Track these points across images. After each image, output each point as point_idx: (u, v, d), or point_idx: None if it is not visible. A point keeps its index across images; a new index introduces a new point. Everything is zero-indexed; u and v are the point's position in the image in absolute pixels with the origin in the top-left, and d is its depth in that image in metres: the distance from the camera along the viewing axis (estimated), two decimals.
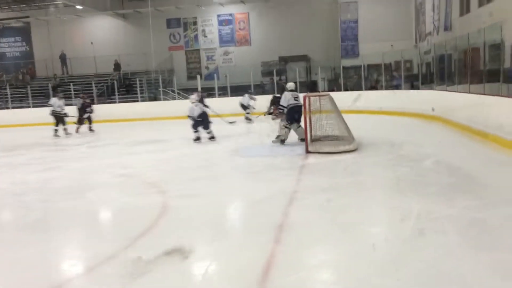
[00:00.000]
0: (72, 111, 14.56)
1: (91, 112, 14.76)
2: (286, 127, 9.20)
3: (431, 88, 13.52)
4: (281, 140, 9.26)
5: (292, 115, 9.02)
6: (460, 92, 10.47)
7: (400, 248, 3.75)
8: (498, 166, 6.54)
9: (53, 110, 13.96)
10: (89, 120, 14.76)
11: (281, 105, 9.23)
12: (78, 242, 4.52)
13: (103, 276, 3.54)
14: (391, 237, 4.09)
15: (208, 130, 10.38)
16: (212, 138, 10.37)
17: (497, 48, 9.10)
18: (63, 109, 14.12)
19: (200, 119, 10.16)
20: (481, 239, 3.84)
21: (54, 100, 14.16)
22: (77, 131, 14.48)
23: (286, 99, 9.15)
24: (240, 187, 6.43)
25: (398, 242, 3.88)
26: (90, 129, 14.73)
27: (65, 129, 14.02)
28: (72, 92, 20.48)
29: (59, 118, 13.96)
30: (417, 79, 15.32)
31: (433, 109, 11.29)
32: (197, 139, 10.37)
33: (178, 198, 5.74)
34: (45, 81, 23.36)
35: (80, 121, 14.59)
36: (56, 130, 13.92)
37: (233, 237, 4.29)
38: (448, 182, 5.82)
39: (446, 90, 11.43)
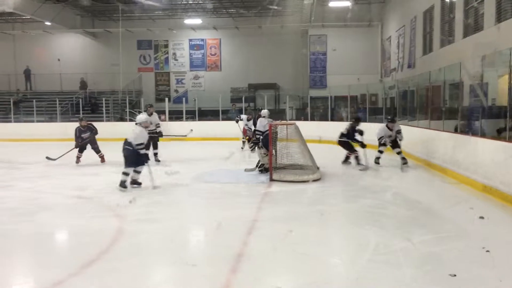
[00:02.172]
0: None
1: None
2: (266, 154, 9.04)
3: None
4: (265, 168, 8.99)
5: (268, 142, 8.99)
6: (420, 127, 10.79)
7: (356, 280, 3.73)
8: (455, 201, 6.69)
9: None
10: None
11: (258, 130, 9.27)
12: (23, 269, 4.28)
13: None
14: (347, 269, 4.07)
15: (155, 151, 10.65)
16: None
17: (456, 87, 9.48)
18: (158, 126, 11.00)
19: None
20: (436, 273, 3.86)
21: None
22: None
23: (262, 124, 9.20)
24: (200, 214, 6.32)
25: (354, 274, 3.86)
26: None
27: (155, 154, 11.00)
28: (35, 108, 19.94)
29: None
30: (381, 112, 15.73)
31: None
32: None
33: (135, 223, 5.56)
34: (7, 96, 22.64)
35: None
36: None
37: (189, 265, 4.16)
38: (407, 215, 5.91)
39: (408, 125, 11.75)
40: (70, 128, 18.74)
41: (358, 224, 5.47)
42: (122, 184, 7.44)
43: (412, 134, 10.90)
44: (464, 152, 7.87)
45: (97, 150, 11.14)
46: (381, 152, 10.03)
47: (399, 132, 9.92)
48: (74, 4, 20.73)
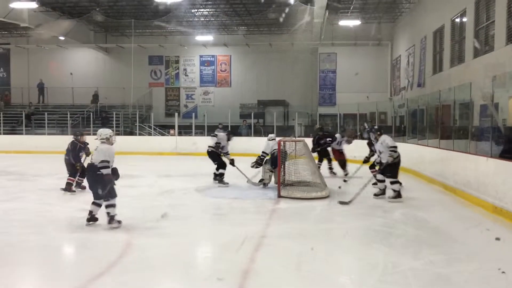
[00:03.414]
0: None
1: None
2: (271, 171, 9.38)
3: (404, 141, 13.84)
4: (264, 184, 9.47)
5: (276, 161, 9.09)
6: (430, 146, 10.75)
7: None
8: (464, 222, 6.62)
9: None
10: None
11: (264, 152, 9.40)
12: (31, 280, 4.30)
13: None
14: None
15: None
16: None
17: (466, 106, 9.45)
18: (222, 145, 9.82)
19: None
20: None
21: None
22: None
23: (269, 146, 9.40)
24: (208, 229, 6.32)
25: None
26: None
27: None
28: (46, 121, 20.19)
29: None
30: (390, 130, 15.70)
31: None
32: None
33: (143, 237, 5.56)
34: (20, 109, 22.96)
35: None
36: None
37: (195, 282, 4.15)
38: (416, 235, 5.86)
39: (417, 144, 11.71)
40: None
41: (367, 243, 5.43)
42: (92, 218, 5.93)
43: (422, 154, 10.85)
44: (474, 172, 7.81)
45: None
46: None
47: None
48: (88, 19, 21.11)
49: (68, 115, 20.58)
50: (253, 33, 22.96)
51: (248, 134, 19.12)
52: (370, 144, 9.68)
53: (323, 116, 19.86)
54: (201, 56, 24.66)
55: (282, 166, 8.85)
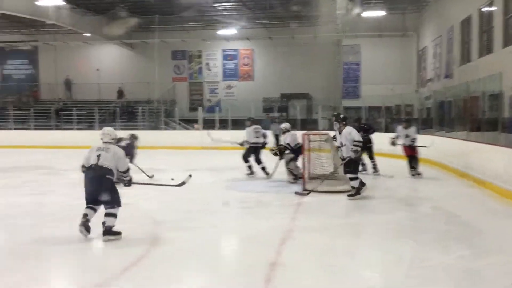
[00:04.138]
0: None
1: None
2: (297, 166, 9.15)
3: (431, 133, 13.61)
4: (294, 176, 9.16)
5: (299, 154, 9.06)
6: (458, 138, 10.54)
7: None
8: (494, 215, 6.50)
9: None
10: None
11: (289, 145, 9.11)
12: (62, 273, 4.43)
13: None
14: (382, 283, 4.02)
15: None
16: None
17: (495, 98, 9.23)
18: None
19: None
20: None
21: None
22: None
23: (293, 139, 9.21)
24: (234, 223, 6.37)
25: None
26: None
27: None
28: (75, 117, 20.66)
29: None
30: (417, 123, 15.45)
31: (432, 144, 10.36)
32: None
33: (171, 231, 5.66)
34: (49, 105, 23.54)
35: None
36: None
37: (223, 274, 4.21)
38: (444, 229, 5.77)
39: (445, 136, 11.50)
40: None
41: (394, 237, 5.39)
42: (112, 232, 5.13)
43: (450, 146, 10.65)
44: (504, 164, 7.63)
45: None
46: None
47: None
48: (112, 16, 21.41)
49: (96, 111, 21.00)
50: (275, 26, 22.85)
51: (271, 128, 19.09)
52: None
53: (347, 109, 19.67)
54: (223, 50, 24.72)
55: (307, 160, 8.83)
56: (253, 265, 4.33)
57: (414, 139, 9.71)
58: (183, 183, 6.04)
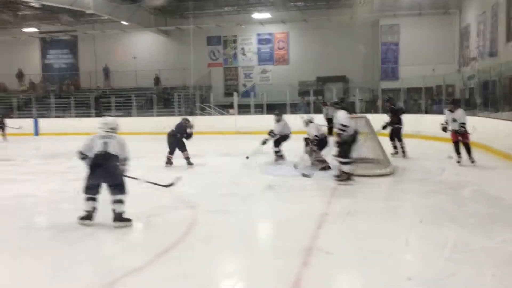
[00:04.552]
0: None
1: None
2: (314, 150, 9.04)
3: (474, 114, 13.08)
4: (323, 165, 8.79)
5: (324, 145, 8.96)
6: (504, 119, 10.06)
7: (433, 280, 3.55)
8: None
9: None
10: None
11: (317, 137, 8.87)
12: (104, 254, 4.54)
13: None
14: (423, 268, 3.90)
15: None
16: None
17: None
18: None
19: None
20: None
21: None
22: None
23: (318, 129, 9.08)
24: (271, 207, 6.35)
25: (431, 274, 3.68)
26: None
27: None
28: (113, 104, 21.15)
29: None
30: (460, 104, 14.86)
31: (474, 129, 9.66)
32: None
33: (207, 214, 5.71)
34: (88, 93, 24.20)
35: None
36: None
37: (260, 258, 4.20)
38: (487, 213, 5.53)
39: (489, 117, 11.00)
40: (144, 121, 19.75)
41: (435, 221, 5.21)
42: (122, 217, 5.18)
43: (495, 127, 10.19)
44: None
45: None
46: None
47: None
48: (148, 3, 21.63)
49: (133, 98, 21.41)
50: (310, 8, 22.42)
51: (306, 112, 18.91)
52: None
53: (385, 91, 19.17)
54: (258, 35, 24.54)
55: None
56: (289, 249, 4.30)
57: (463, 123, 8.71)
58: (171, 185, 6.51)
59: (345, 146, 7.38)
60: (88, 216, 5.17)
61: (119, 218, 5.12)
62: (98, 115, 21.46)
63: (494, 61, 14.43)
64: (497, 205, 5.92)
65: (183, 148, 9.59)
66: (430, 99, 17.14)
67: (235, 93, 21.03)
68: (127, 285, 3.61)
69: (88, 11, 19.95)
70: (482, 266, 3.77)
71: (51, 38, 26.79)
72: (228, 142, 15.15)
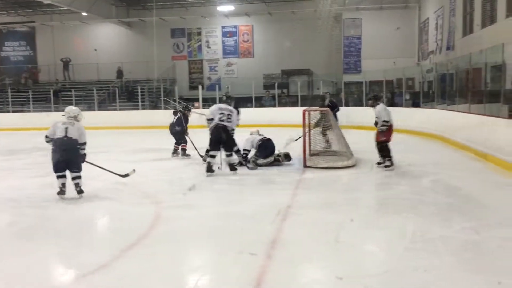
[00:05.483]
0: None
1: None
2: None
3: (432, 107, 13.50)
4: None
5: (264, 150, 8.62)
6: (460, 111, 10.45)
7: (392, 269, 3.68)
8: (496, 188, 6.48)
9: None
10: None
11: (245, 149, 8.50)
12: (67, 252, 4.44)
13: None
14: (383, 257, 4.02)
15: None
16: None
17: (498, 69, 9.09)
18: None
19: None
20: (476, 262, 3.77)
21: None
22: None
23: (249, 142, 8.73)
24: (235, 200, 6.37)
25: (391, 263, 3.81)
26: None
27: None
28: (74, 98, 20.55)
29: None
30: (418, 97, 15.32)
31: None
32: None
33: (171, 209, 5.67)
34: (47, 86, 23.41)
35: None
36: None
37: (224, 252, 4.21)
38: (446, 202, 5.76)
39: (447, 109, 11.41)
40: (107, 116, 19.32)
41: (395, 211, 5.38)
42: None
43: (452, 119, 10.58)
44: (506, 136, 7.57)
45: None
46: None
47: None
48: None
49: (95, 91, 20.89)
50: (275, 1, 22.46)
51: (272, 105, 19.03)
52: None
53: (348, 84, 19.51)
54: (223, 27, 24.38)
55: (308, 136, 8.78)
56: (254, 242, 4.33)
57: (385, 121, 7.73)
58: (127, 175, 6.96)
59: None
60: (62, 191, 6.12)
61: (81, 191, 6.20)
62: (57, 109, 20.85)
63: (451, 55, 14.94)
64: (454, 194, 6.16)
65: (182, 140, 9.86)
66: (391, 92, 17.56)
67: (200, 87, 20.88)
68: (92, 281, 3.55)
69: (46, 1, 19.25)
70: (441, 255, 3.92)
71: (7, 29, 25.72)
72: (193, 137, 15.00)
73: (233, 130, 8.15)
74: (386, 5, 20.58)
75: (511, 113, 8.35)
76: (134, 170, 7.05)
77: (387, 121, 7.71)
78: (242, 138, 8.67)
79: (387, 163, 7.77)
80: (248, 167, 8.19)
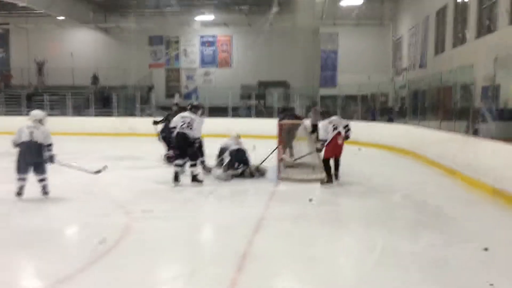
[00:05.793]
0: None
1: None
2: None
3: (405, 123, 13.79)
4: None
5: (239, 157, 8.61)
6: (431, 128, 10.72)
7: (363, 283, 3.73)
8: (464, 204, 6.65)
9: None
10: None
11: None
12: (32, 262, 4.33)
13: None
14: (354, 271, 4.08)
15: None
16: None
17: (467, 88, 9.39)
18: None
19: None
20: (443, 277, 3.85)
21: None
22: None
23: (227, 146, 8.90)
24: (208, 211, 6.35)
25: (361, 277, 3.86)
26: None
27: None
28: (47, 102, 20.12)
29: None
30: (391, 112, 15.64)
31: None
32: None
33: (142, 220, 5.59)
34: (20, 90, 22.86)
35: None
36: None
37: (195, 264, 4.19)
38: (415, 218, 5.89)
39: (418, 126, 11.68)
40: (83, 122, 18.98)
41: (366, 225, 5.46)
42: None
43: (423, 135, 10.83)
44: (474, 154, 7.80)
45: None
46: None
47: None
48: None
49: (69, 96, 20.52)
50: (254, 13, 22.66)
51: (248, 115, 19.09)
52: None
53: (324, 98, 19.75)
54: (201, 37, 24.44)
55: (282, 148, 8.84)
56: (224, 255, 4.33)
57: (322, 140, 7.88)
58: (99, 171, 7.18)
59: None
60: (19, 193, 6.32)
61: (46, 193, 6.46)
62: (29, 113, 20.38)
63: (423, 72, 15.35)
64: (423, 210, 6.30)
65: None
66: (366, 107, 17.86)
67: (177, 94, 20.79)
68: None
69: (21, 4, 18.90)
70: (410, 270, 4.00)
71: None
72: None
73: (197, 139, 7.93)
74: (362, 21, 21.02)
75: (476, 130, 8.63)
76: (106, 166, 7.22)
77: (322, 140, 7.82)
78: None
79: (326, 178, 7.80)
80: (215, 177, 8.25)
